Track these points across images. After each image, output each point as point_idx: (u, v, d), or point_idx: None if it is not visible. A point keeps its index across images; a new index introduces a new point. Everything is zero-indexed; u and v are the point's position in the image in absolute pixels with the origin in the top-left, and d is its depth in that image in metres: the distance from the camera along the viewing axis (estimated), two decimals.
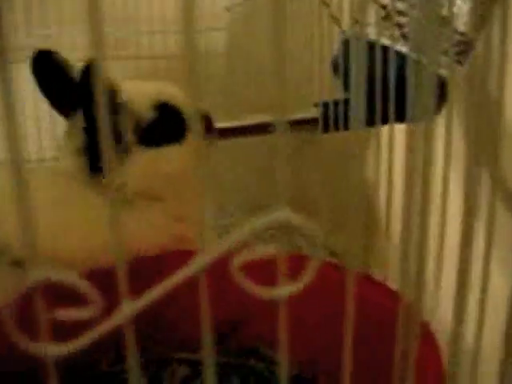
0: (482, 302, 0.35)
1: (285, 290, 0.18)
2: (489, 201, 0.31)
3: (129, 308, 0.17)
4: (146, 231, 0.51)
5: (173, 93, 0.56)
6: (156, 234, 0.52)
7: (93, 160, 0.52)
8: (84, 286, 0.17)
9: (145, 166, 0.52)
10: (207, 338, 0.19)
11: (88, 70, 0.48)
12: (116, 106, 0.52)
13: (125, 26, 0.98)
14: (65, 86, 0.53)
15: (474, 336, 0.37)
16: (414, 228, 0.29)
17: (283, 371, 0.20)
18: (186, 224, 0.54)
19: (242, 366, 0.47)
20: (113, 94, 0.52)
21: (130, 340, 0.18)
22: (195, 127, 0.21)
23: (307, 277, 0.19)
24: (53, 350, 0.18)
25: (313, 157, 0.73)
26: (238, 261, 0.18)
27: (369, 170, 0.73)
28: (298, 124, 0.63)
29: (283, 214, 0.17)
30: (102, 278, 0.22)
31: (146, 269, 0.40)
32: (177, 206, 0.54)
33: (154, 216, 0.52)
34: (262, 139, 0.74)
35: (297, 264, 0.18)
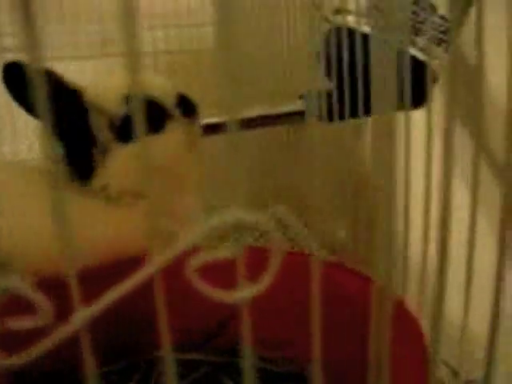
0: (468, 279, 0.35)
1: (246, 292, 0.18)
2: (473, 166, 0.30)
3: (82, 314, 0.17)
4: (131, 230, 0.50)
5: (144, 82, 0.54)
6: (141, 231, 0.51)
7: (71, 165, 0.51)
8: (34, 294, 0.17)
9: (126, 162, 0.51)
10: (166, 341, 0.18)
11: (45, 77, 0.47)
12: (83, 107, 0.51)
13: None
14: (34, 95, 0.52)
15: (459, 312, 0.36)
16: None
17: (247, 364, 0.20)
18: (172, 219, 0.53)
19: (231, 364, 0.46)
20: (76, 94, 0.51)
21: (86, 345, 0.18)
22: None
23: (268, 277, 0.18)
24: (5, 361, 0.17)
25: (302, 149, 0.73)
26: (194, 263, 0.17)
27: (357, 161, 0.73)
28: (284, 117, 0.62)
29: (236, 213, 0.16)
30: (57, 284, 0.21)
31: (124, 270, 0.39)
32: (162, 202, 0.53)
33: (138, 213, 0.51)
34: (252, 136, 0.74)
35: (260, 258, 0.18)
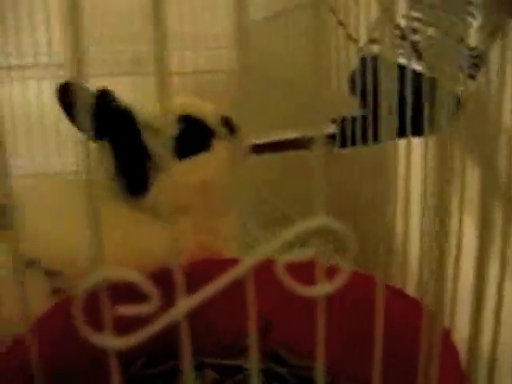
0: (498, 312, 0.37)
1: (322, 288, 0.21)
2: (503, 215, 0.33)
3: (184, 304, 0.20)
4: (173, 242, 0.53)
5: (192, 104, 0.58)
6: (184, 246, 0.54)
7: (127, 183, 0.54)
8: (145, 283, 0.19)
9: (177, 178, 0.54)
10: (253, 341, 0.21)
11: (100, 98, 0.51)
12: (139, 127, 0.54)
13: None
14: (88, 114, 0.55)
15: (490, 342, 0.39)
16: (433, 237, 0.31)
17: (320, 373, 0.22)
18: (213, 236, 0.56)
19: (264, 370, 0.48)
20: (131, 115, 0.55)
21: (185, 337, 0.20)
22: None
23: (341, 278, 0.21)
24: (115, 342, 0.20)
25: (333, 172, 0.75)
26: (281, 261, 0.20)
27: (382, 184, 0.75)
28: (310, 141, 0.65)
29: (322, 219, 0.19)
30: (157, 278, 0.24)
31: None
32: (205, 218, 0.56)
33: (182, 229, 0.54)
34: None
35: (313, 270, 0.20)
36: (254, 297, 0.21)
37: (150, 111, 0.55)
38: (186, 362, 0.20)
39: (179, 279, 0.20)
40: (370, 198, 0.67)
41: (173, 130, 0.54)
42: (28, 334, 0.25)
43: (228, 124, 0.58)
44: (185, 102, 0.58)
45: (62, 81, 0.53)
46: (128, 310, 0.19)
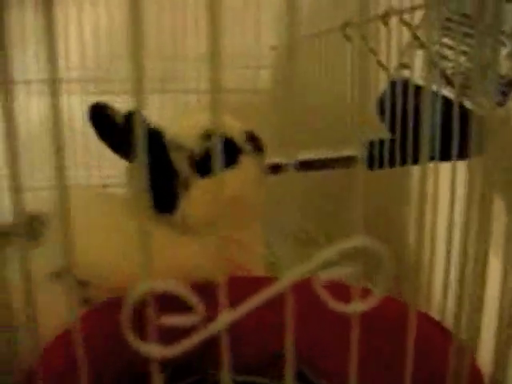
0: None
1: (358, 306, 0.21)
2: None
3: (227, 317, 0.20)
4: (204, 259, 0.54)
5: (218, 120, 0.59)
6: (210, 259, 0.55)
7: (156, 200, 0.55)
8: (191, 296, 0.20)
9: (203, 194, 0.56)
10: (289, 359, 0.22)
11: (130, 118, 0.52)
12: (166, 146, 0.56)
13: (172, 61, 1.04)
14: (118, 134, 0.57)
15: None
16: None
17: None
18: (237, 249, 0.57)
19: None
20: (159, 135, 0.56)
21: (225, 348, 0.21)
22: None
23: (374, 298, 0.22)
24: (158, 351, 0.21)
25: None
26: (320, 278, 0.21)
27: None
28: (343, 161, 0.66)
29: (362, 239, 0.20)
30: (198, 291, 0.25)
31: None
32: (231, 232, 0.57)
33: (208, 242, 0.55)
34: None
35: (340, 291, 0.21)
36: (292, 314, 0.22)
37: (177, 129, 0.57)
38: (226, 377, 0.21)
39: (223, 293, 0.21)
40: (394, 221, 0.68)
41: (198, 148, 0.56)
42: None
43: (253, 140, 0.59)
44: (207, 118, 0.59)
45: (94, 102, 0.55)
46: (173, 320, 0.20)
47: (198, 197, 0.56)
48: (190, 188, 0.56)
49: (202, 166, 0.56)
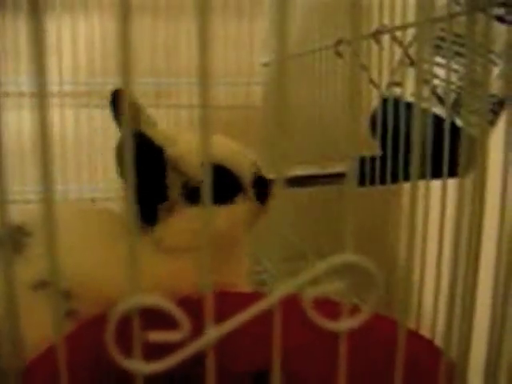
0: None
1: (347, 322, 0.21)
2: None
3: (213, 333, 0.20)
4: (182, 278, 0.52)
5: (226, 152, 0.55)
6: (186, 281, 0.52)
7: (140, 212, 0.52)
8: (176, 311, 0.20)
9: (186, 223, 0.53)
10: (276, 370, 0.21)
11: (137, 138, 0.51)
12: (164, 165, 0.53)
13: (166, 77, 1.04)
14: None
15: None
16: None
17: None
18: (217, 275, 0.56)
19: None
20: (160, 153, 0.53)
21: (211, 364, 0.21)
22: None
23: (365, 313, 0.22)
24: (143, 367, 0.21)
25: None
26: (308, 296, 0.20)
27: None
28: (334, 177, 0.66)
29: (351, 256, 0.20)
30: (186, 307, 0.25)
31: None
32: (211, 259, 0.55)
33: (185, 265, 0.53)
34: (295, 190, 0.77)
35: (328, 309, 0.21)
36: (280, 329, 0.21)
37: (183, 151, 0.54)
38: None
39: (209, 308, 0.20)
40: (384, 238, 0.68)
41: (197, 176, 0.52)
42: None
43: (260, 184, 0.55)
44: (223, 145, 0.55)
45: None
46: (159, 336, 0.20)
47: (178, 224, 0.53)
48: (172, 213, 0.54)
49: (196, 194, 0.53)
